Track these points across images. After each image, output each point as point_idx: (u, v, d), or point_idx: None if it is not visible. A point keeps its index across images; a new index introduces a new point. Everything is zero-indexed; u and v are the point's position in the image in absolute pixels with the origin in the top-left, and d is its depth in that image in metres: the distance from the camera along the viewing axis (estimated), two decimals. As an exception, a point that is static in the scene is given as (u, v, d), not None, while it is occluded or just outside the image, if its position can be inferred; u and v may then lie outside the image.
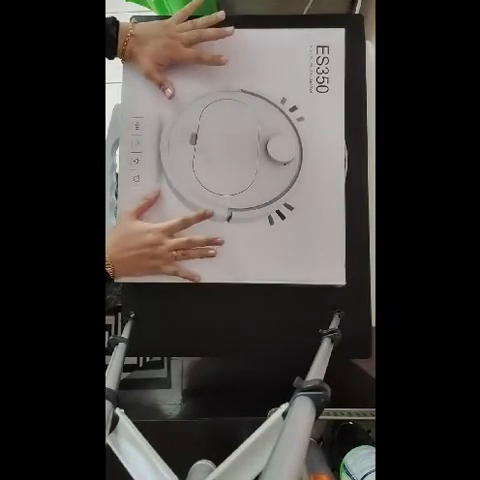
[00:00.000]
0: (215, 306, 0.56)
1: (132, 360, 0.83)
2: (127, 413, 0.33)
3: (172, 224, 0.52)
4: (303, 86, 0.55)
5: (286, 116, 0.55)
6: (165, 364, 0.81)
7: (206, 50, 0.54)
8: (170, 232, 0.52)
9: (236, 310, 0.56)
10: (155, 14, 0.70)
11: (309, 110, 0.55)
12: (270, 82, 0.55)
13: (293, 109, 0.55)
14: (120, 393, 0.34)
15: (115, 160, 0.58)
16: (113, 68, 0.53)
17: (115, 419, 0.32)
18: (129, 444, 0.32)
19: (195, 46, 0.53)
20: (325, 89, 0.55)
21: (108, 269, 0.50)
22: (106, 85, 0.33)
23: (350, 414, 0.48)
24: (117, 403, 0.33)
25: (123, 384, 0.37)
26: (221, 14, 0.53)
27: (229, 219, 0.54)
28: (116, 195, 0.57)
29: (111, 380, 0.36)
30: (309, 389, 0.30)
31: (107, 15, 0.49)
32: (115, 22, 0.52)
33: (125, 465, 0.31)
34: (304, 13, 0.64)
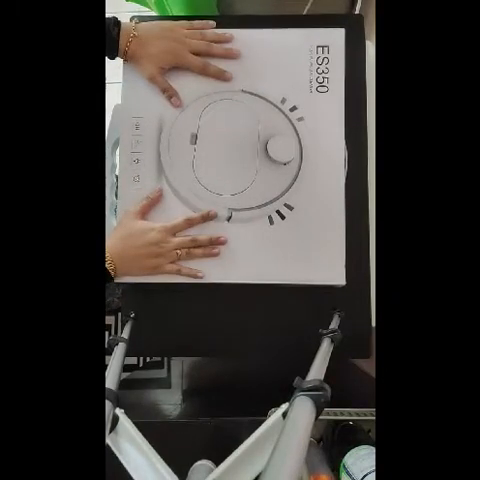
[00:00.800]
0: (215, 306, 0.56)
1: (132, 360, 0.83)
2: (127, 413, 0.33)
3: (176, 223, 0.52)
4: (303, 86, 0.55)
5: (286, 116, 0.55)
6: (165, 364, 0.81)
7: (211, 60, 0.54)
8: (174, 231, 0.52)
9: (236, 310, 0.56)
10: (155, 14, 0.70)
11: (309, 110, 0.55)
12: (270, 82, 0.55)
13: (293, 109, 0.55)
14: (120, 393, 0.34)
15: (115, 160, 0.58)
16: (113, 68, 0.53)
17: (115, 419, 0.32)
18: (129, 444, 0.32)
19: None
20: (325, 89, 0.55)
21: (110, 267, 0.50)
22: (106, 85, 0.33)
23: (350, 414, 0.48)
24: (117, 403, 0.33)
25: (123, 384, 0.37)
26: (228, 34, 0.55)
27: (229, 219, 0.54)
28: (116, 195, 0.57)
29: (111, 380, 0.36)
30: (309, 389, 0.30)
31: (107, 15, 0.49)
32: (117, 23, 0.52)
33: (125, 465, 0.31)
34: (304, 13, 0.64)
